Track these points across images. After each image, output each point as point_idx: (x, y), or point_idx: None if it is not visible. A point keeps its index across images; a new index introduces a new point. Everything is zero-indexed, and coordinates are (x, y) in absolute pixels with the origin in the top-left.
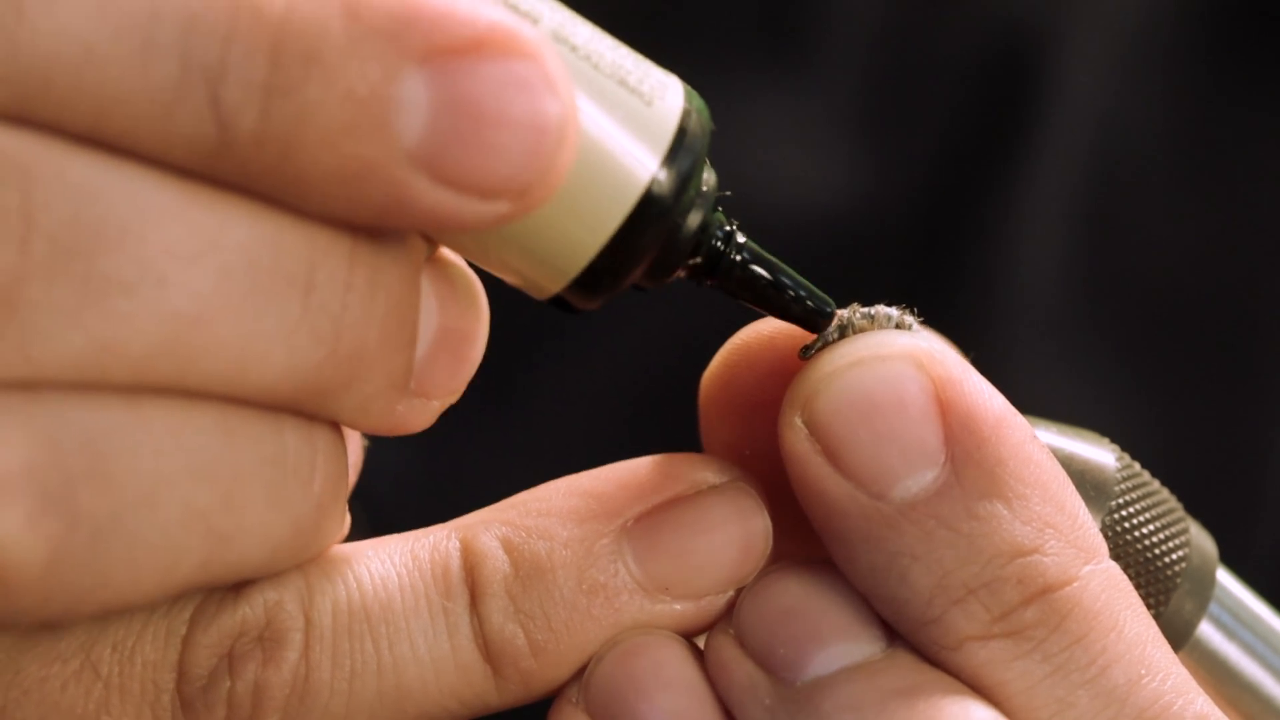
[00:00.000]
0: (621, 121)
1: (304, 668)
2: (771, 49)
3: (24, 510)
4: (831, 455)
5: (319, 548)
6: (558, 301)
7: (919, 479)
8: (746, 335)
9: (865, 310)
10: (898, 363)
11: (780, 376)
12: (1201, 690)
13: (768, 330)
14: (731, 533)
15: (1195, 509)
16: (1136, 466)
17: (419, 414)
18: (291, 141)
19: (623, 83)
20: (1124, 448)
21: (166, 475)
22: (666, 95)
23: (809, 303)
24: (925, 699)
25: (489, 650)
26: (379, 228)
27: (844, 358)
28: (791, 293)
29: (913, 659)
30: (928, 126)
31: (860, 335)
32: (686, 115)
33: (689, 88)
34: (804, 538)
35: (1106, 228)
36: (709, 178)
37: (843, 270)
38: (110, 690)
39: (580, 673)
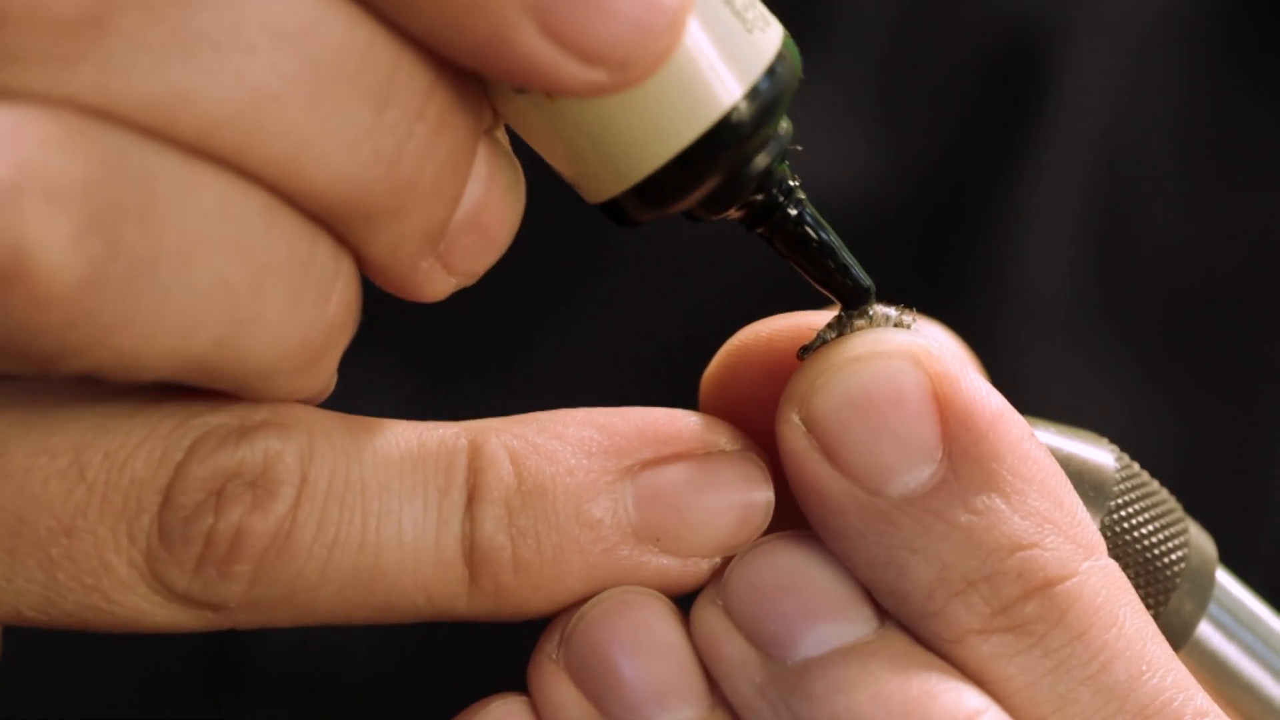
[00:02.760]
0: (719, 40)
1: (289, 524)
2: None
3: (72, 223)
4: (829, 452)
5: (312, 384)
6: (610, 207)
7: (916, 475)
8: (745, 336)
9: (863, 310)
10: (895, 360)
11: (778, 378)
12: (1200, 687)
13: (766, 332)
14: (733, 499)
15: (1205, 504)
16: (1135, 467)
17: (436, 282)
18: None
19: (729, 2)
20: (1132, 439)
21: (208, 239)
22: (768, 30)
23: (850, 278)
24: (920, 684)
25: (473, 554)
26: (469, 67)
27: (841, 355)
28: (835, 262)
29: (905, 639)
30: (940, 116)
31: (858, 333)
32: (781, 56)
33: (788, 34)
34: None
35: (1118, 220)
36: (785, 126)
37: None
38: (93, 496)
39: (553, 611)
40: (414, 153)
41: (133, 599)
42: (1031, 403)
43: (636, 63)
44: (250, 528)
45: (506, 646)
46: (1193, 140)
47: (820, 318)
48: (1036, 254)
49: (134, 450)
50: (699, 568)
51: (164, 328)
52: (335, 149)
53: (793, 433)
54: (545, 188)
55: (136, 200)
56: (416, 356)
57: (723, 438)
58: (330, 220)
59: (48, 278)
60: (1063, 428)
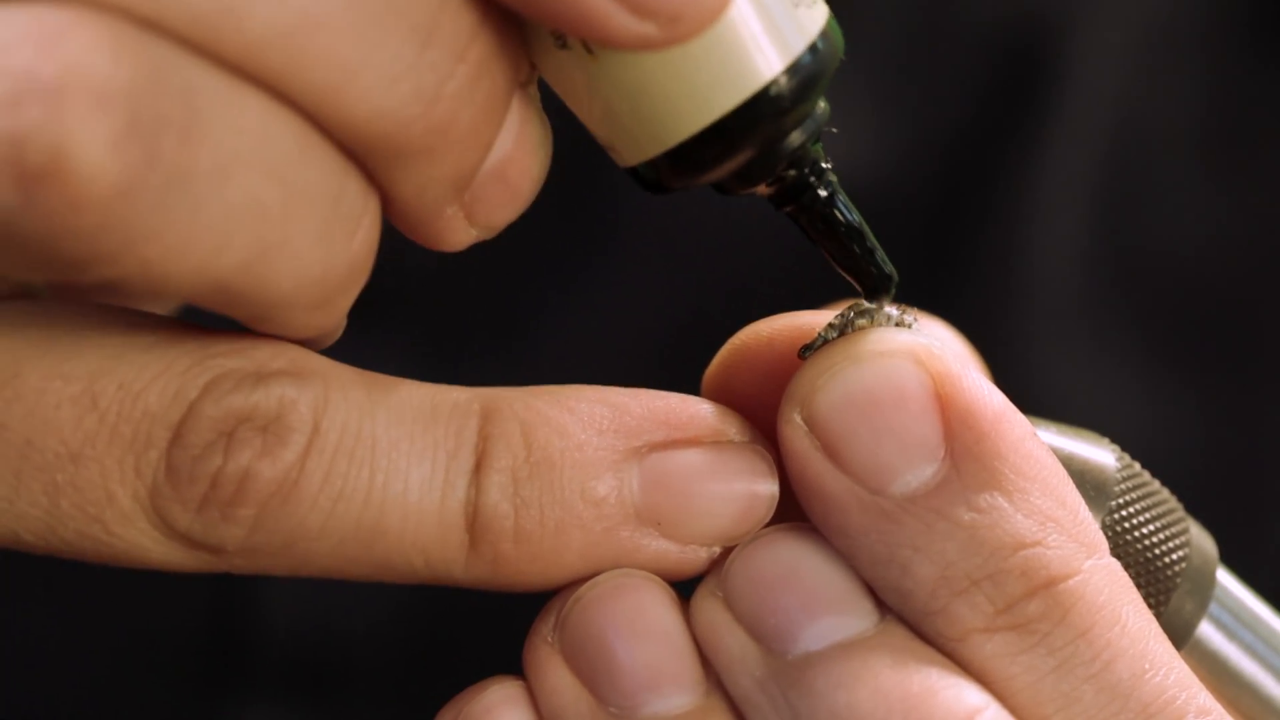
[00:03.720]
0: (765, 11)
1: (296, 472)
2: None
3: (114, 128)
4: (831, 451)
5: (324, 322)
6: (642, 171)
7: (919, 474)
8: (746, 335)
9: (864, 308)
10: (897, 359)
11: (779, 377)
12: (1203, 686)
13: (767, 331)
14: (737, 489)
15: (1213, 501)
16: (1136, 466)
17: (457, 231)
18: None
19: None
20: (1139, 433)
21: (244, 158)
22: (814, 7)
23: (875, 264)
24: (920, 680)
25: (475, 520)
26: (517, 12)
27: (843, 355)
28: (862, 247)
29: (906, 634)
30: (950, 106)
31: (859, 333)
32: (824, 34)
33: (832, 16)
34: None
35: (1128, 212)
36: (823, 106)
37: None
38: (103, 425)
39: (547, 585)
40: (452, 94)
41: (132, 533)
42: (1039, 394)
43: (687, 19)
44: (258, 472)
45: (509, 631)
46: (1204, 133)
47: (821, 317)
48: (1046, 245)
49: (149, 384)
50: (697, 555)
51: (194, 243)
52: (376, 82)
53: (794, 432)
54: (553, 171)
55: (178, 112)
56: (422, 338)
57: (732, 429)
58: (363, 155)
59: (85, 179)
60: (1064, 427)
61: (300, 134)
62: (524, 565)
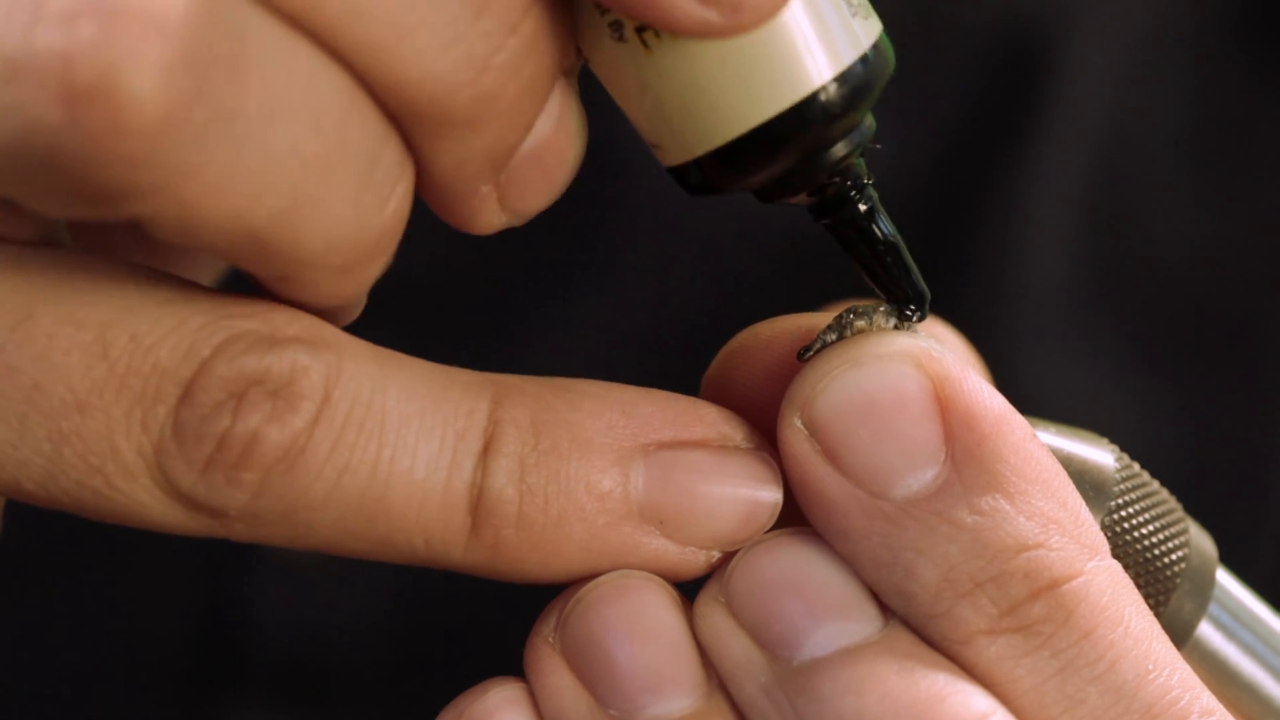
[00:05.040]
0: (820, 18)
1: (304, 440)
2: None
3: (166, 55)
4: (831, 455)
5: (350, 289)
6: (687, 170)
7: (920, 477)
8: (744, 338)
9: (863, 310)
10: (896, 363)
11: (779, 379)
12: (1205, 687)
13: (766, 333)
14: (741, 495)
15: (1206, 500)
16: (1136, 467)
17: (489, 213)
18: None
19: None
20: (1131, 434)
21: (290, 106)
22: (869, 19)
23: (909, 282)
24: (927, 686)
25: (479, 503)
26: None
27: (842, 359)
28: (899, 264)
29: (910, 638)
30: (942, 110)
31: (858, 336)
32: (876, 48)
33: (884, 32)
34: None
35: (1120, 215)
36: (869, 121)
37: None
38: (112, 375)
39: (544, 576)
40: (501, 66)
41: (134, 489)
42: (1031, 396)
43: (749, 8)
44: (265, 437)
45: (503, 634)
46: (1196, 136)
47: (819, 319)
48: (1037, 248)
49: (161, 338)
50: (696, 558)
51: (232, 185)
52: (428, 45)
53: (795, 436)
54: None
55: (230, 51)
56: (417, 340)
57: (739, 434)
58: (407, 121)
59: (132, 104)
60: (1062, 427)
61: (347, 91)
62: (523, 553)
